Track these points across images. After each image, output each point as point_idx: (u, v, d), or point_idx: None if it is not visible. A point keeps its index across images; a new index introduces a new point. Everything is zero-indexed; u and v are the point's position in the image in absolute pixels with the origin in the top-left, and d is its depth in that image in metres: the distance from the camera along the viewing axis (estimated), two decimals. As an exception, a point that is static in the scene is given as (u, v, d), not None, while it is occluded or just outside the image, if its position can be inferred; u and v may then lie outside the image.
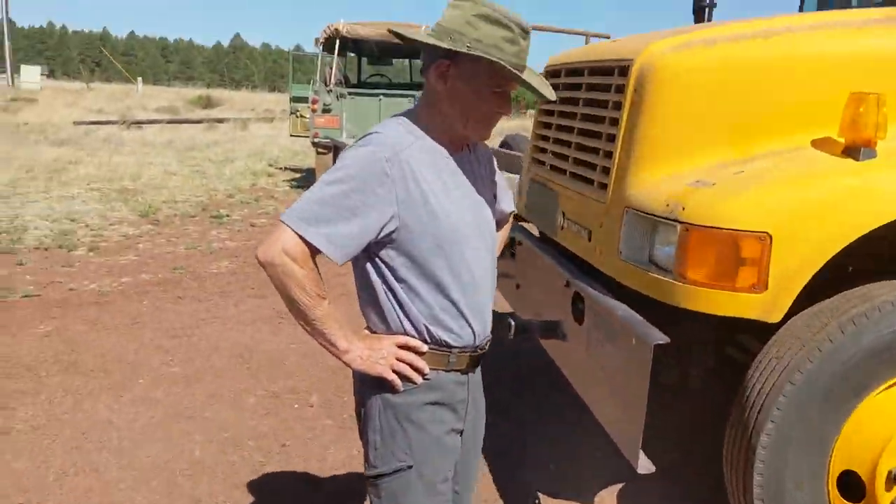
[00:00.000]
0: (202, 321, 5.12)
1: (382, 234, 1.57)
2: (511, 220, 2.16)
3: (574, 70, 3.31)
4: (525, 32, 1.59)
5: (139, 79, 48.51)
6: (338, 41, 10.21)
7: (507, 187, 2.04)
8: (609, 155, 2.77)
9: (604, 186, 2.77)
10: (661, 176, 2.50)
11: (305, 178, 12.30)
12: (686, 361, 2.71)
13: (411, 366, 1.66)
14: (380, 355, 1.65)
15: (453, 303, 1.68)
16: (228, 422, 3.63)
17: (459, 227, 1.65)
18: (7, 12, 41.89)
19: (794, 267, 2.19)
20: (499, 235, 2.00)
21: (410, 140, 1.62)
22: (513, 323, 3.00)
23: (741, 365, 2.70)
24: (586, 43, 16.49)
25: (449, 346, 1.70)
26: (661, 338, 2.18)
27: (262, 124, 21.95)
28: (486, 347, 1.82)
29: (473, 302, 1.72)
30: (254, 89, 66.05)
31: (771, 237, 2.17)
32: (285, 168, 13.12)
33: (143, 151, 14.31)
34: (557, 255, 3.21)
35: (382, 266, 1.63)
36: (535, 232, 3.96)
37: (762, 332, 2.39)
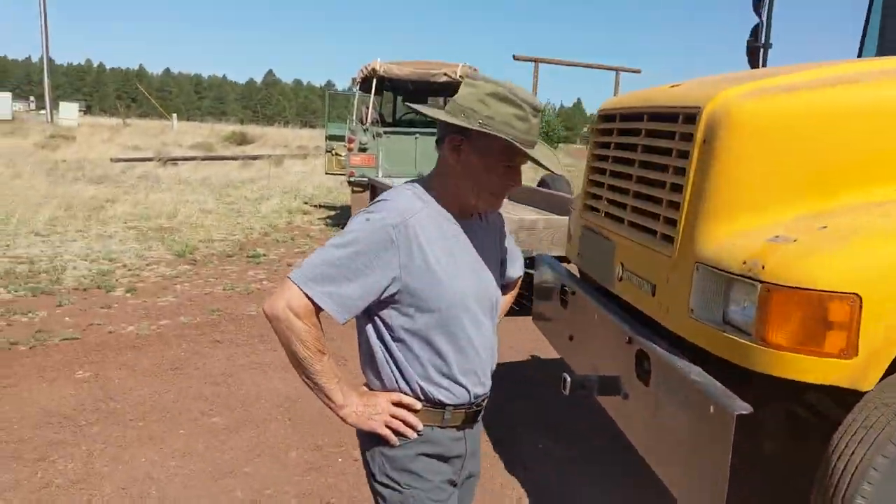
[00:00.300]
0: (241, 367, 5.02)
1: (384, 296, 1.65)
2: (519, 282, 2.19)
3: (631, 115, 3.19)
4: (535, 110, 1.67)
5: (174, 115, 49.28)
6: (374, 80, 10.21)
7: (518, 252, 2.09)
8: (675, 206, 2.64)
9: (669, 239, 2.63)
10: (736, 230, 2.36)
11: (340, 216, 12.27)
12: (761, 428, 2.55)
13: (405, 422, 1.72)
14: (374, 411, 1.72)
15: (448, 364, 1.73)
16: (270, 477, 3.51)
17: (460, 293, 1.71)
18: (47, 51, 42.83)
19: (887, 331, 2.03)
20: (505, 299, 2.10)
21: (419, 206, 1.70)
22: (569, 379, 2.87)
23: (812, 427, 2.55)
24: (617, 77, 16.35)
25: (443, 405, 1.75)
26: (744, 407, 2.04)
27: (296, 161, 22.08)
28: (483, 404, 1.86)
29: (469, 364, 1.77)
30: (286, 125, 66.79)
31: (861, 299, 2.02)
32: (320, 206, 13.11)
33: (178, 189, 14.40)
34: (616, 308, 3.07)
35: (381, 326, 1.71)
36: (558, 265, 3.84)
37: (838, 391, 2.23)
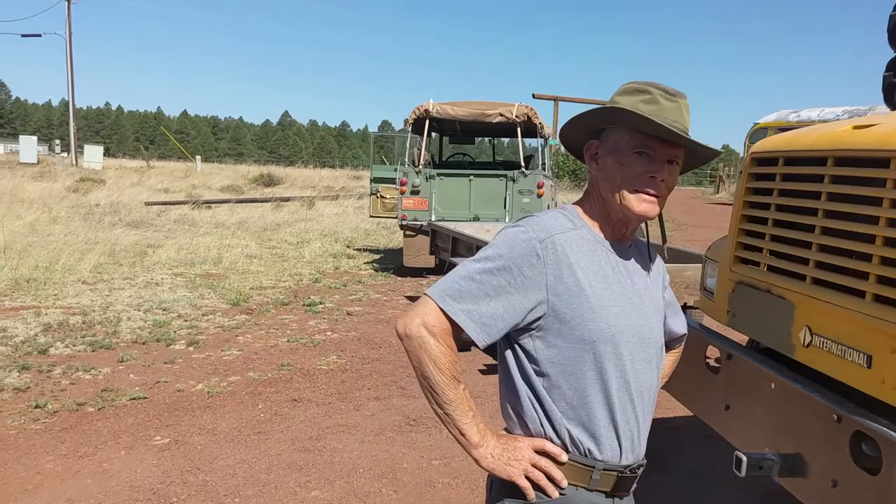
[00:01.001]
0: (328, 430, 4.67)
1: (528, 321, 1.49)
2: (684, 343, 1.96)
3: (806, 160, 2.86)
4: (670, 95, 1.53)
5: (198, 157, 49.56)
6: (427, 121, 9.97)
7: (678, 306, 1.88)
8: (892, 262, 2.29)
9: (888, 301, 2.28)
10: None
11: (385, 259, 11.97)
12: None
13: (547, 474, 1.51)
14: (513, 456, 1.52)
15: (601, 408, 1.53)
16: (396, 566, 3.14)
17: (618, 324, 1.52)
18: (73, 97, 43.25)
19: None
20: (668, 360, 1.90)
21: (569, 227, 1.55)
22: (744, 459, 2.51)
23: None
24: None
25: (593, 460, 1.53)
26: None
27: (328, 203, 21.88)
28: (639, 473, 1.62)
29: (626, 414, 1.56)
30: (307, 165, 66.98)
31: None
32: (363, 249, 12.81)
33: (217, 233, 14.16)
34: (803, 379, 2.72)
35: (524, 357, 1.54)
36: (693, 321, 3.47)
37: None
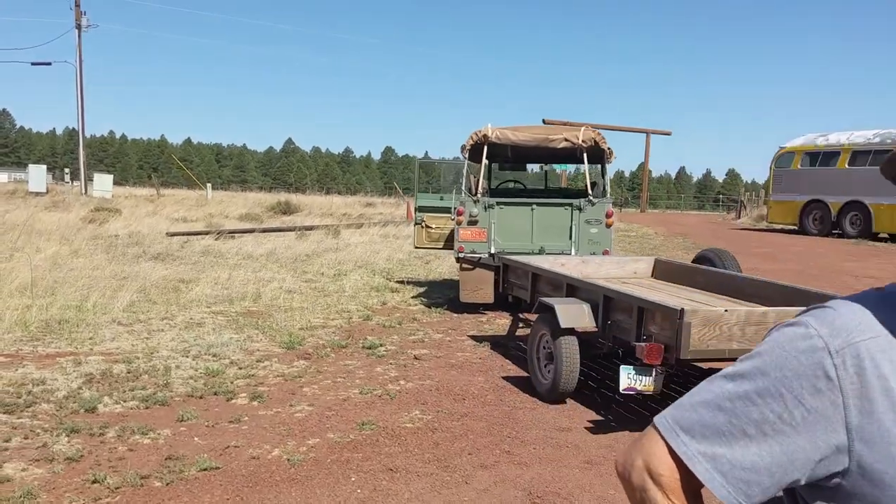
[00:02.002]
0: (444, 512, 3.95)
1: (816, 477, 0.98)
2: None
3: None
4: None
5: (209, 185, 49.00)
6: (486, 147, 9.31)
7: None
8: None
9: None
10: None
11: (431, 293, 11.27)
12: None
13: None
14: None
15: None
16: None
17: None
18: (83, 126, 42.87)
19: None
20: None
21: (878, 329, 0.97)
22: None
23: None
24: (647, 139, 15.85)
25: None
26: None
27: (352, 231, 21.21)
28: None
29: None
30: (312, 192, 66.42)
31: None
32: (405, 282, 12.11)
33: (248, 265, 13.48)
34: None
35: None
36: None
37: None
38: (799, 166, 26.70)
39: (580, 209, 9.10)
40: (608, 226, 9.09)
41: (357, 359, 7.18)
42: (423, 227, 11.17)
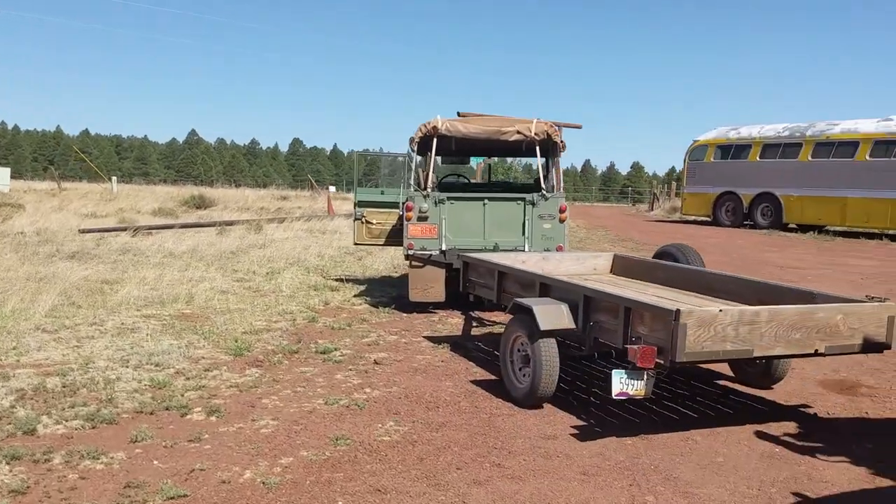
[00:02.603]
0: (450, 538, 3.61)
1: None
2: None
3: None
4: None
5: (114, 178, 47.00)
6: (435, 139, 8.96)
7: None
8: None
9: None
10: None
11: (374, 291, 10.87)
12: None
13: None
14: None
15: None
16: None
17: None
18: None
19: None
20: None
21: None
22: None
23: None
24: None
25: None
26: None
27: (275, 226, 20.52)
28: None
29: None
30: (215, 185, 64.56)
31: None
32: (343, 280, 11.67)
33: (171, 264, 12.78)
34: None
35: None
36: None
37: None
38: (712, 159, 27.33)
39: (533, 204, 8.86)
40: (562, 221, 8.89)
41: (313, 365, 6.75)
42: (363, 222, 10.75)
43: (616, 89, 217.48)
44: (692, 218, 28.94)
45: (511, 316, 6.00)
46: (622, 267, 7.85)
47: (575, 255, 8.01)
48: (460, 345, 7.60)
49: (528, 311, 5.58)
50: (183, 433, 4.94)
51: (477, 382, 6.32)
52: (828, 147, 24.05)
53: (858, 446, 5.05)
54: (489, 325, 8.68)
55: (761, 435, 5.22)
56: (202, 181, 79.70)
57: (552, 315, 5.52)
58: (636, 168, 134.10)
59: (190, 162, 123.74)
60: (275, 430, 5.06)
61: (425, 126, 8.91)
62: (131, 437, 4.81)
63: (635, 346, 4.71)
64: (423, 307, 9.27)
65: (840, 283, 12.35)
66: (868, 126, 23.43)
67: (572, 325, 5.55)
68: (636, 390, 4.81)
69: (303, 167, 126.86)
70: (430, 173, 9.00)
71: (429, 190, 8.87)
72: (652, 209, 40.59)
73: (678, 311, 4.58)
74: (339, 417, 5.34)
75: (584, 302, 5.48)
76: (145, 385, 5.94)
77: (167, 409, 5.39)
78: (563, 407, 5.69)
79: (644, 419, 5.50)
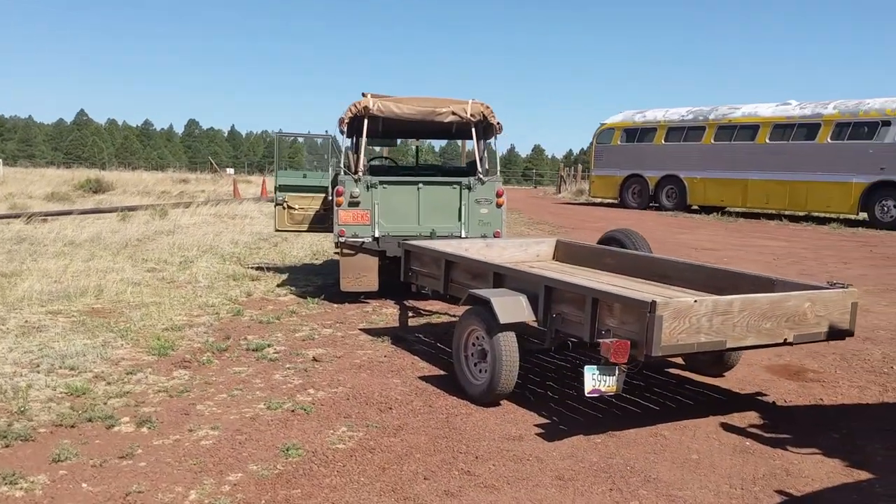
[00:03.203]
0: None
1: None
2: None
3: None
4: None
5: (-1, 160, 44.23)
6: (366, 120, 8.50)
7: None
8: None
9: None
10: None
11: (298, 280, 10.35)
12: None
13: None
14: None
15: None
16: None
17: None
18: None
19: None
20: None
21: None
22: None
23: None
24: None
25: None
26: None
27: (181, 211, 19.58)
28: None
29: None
30: (105, 168, 61.70)
31: None
32: (263, 268, 11.08)
33: (74, 254, 11.90)
34: None
35: None
36: None
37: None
38: (619, 142, 27.68)
39: (470, 188, 8.53)
40: (499, 205, 8.59)
41: (246, 364, 6.26)
42: (284, 208, 10.21)
43: (515, 71, 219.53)
44: (599, 200, 29.29)
45: (465, 308, 5.66)
46: (566, 253, 7.61)
47: (518, 241, 7.73)
48: (401, 338, 7.22)
49: (486, 304, 5.25)
50: (112, 449, 4.41)
51: (426, 379, 5.96)
52: (730, 130, 24.67)
53: (825, 437, 4.95)
54: (426, 315, 8.32)
55: (727, 427, 5.06)
56: (94, 164, 76.02)
57: (512, 307, 5.20)
58: (537, 150, 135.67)
59: (79, 144, 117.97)
60: (216, 441, 4.58)
61: (355, 106, 8.44)
62: (52, 455, 4.25)
63: (608, 341, 4.44)
64: (355, 297, 8.84)
65: (756, 264, 12.54)
66: (767, 110, 24.12)
67: (532, 318, 5.25)
68: (608, 386, 4.55)
69: (200, 149, 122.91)
70: (362, 156, 8.54)
71: (360, 174, 8.41)
72: (559, 192, 40.97)
73: (654, 302, 4.33)
74: (286, 424, 4.90)
75: (544, 293, 5.18)
76: (61, 392, 5.34)
77: (90, 420, 4.83)
78: (520, 403, 5.40)
79: (606, 413, 5.27)
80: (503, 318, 5.11)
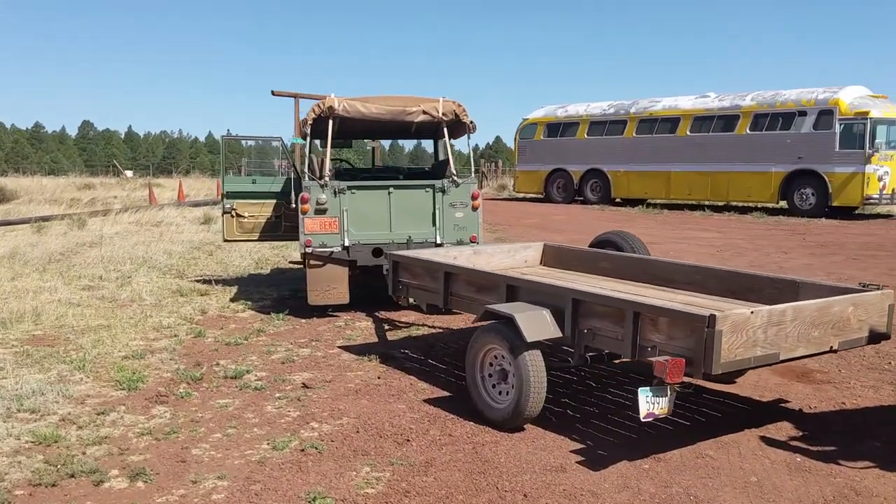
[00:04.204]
0: None
1: None
2: None
3: None
4: None
5: None
6: (331, 121, 7.93)
7: None
8: None
9: None
10: None
11: (251, 293, 9.67)
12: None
13: None
14: None
15: None
16: None
17: None
18: None
19: None
20: None
21: None
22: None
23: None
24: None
25: None
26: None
27: (98, 219, 18.41)
28: None
29: None
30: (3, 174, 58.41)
31: None
32: (211, 281, 10.35)
33: (-5, 272, 10.87)
34: None
35: None
36: None
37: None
38: (542, 137, 27.68)
39: (443, 191, 8.07)
40: (475, 208, 8.16)
41: (230, 395, 5.65)
42: (233, 216, 9.53)
43: (428, 65, 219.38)
44: (523, 195, 29.24)
45: (481, 325, 5.21)
46: (554, 258, 7.25)
47: (507, 247, 7.30)
48: (388, 355, 6.71)
49: (507, 320, 4.82)
50: (109, 513, 3.80)
51: (432, 402, 5.49)
52: (651, 123, 24.94)
53: (868, 445, 4.72)
54: (404, 328, 7.82)
55: (769, 441, 4.78)
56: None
57: (538, 324, 4.79)
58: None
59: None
60: (229, 493, 4.01)
61: (319, 106, 7.86)
62: (42, 528, 3.62)
63: (663, 360, 4.07)
64: (322, 310, 8.26)
65: (702, 257, 12.50)
66: (687, 103, 24.47)
67: (559, 334, 4.85)
68: (661, 409, 4.19)
69: (96, 151, 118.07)
70: (328, 160, 7.95)
71: (326, 178, 7.84)
72: (481, 188, 40.79)
73: (713, 316, 3.99)
74: (300, 467, 4.36)
75: (572, 306, 4.78)
76: (28, 442, 4.66)
77: (72, 475, 4.19)
78: (543, 425, 4.99)
79: (635, 431, 4.92)
80: (530, 336, 4.69)
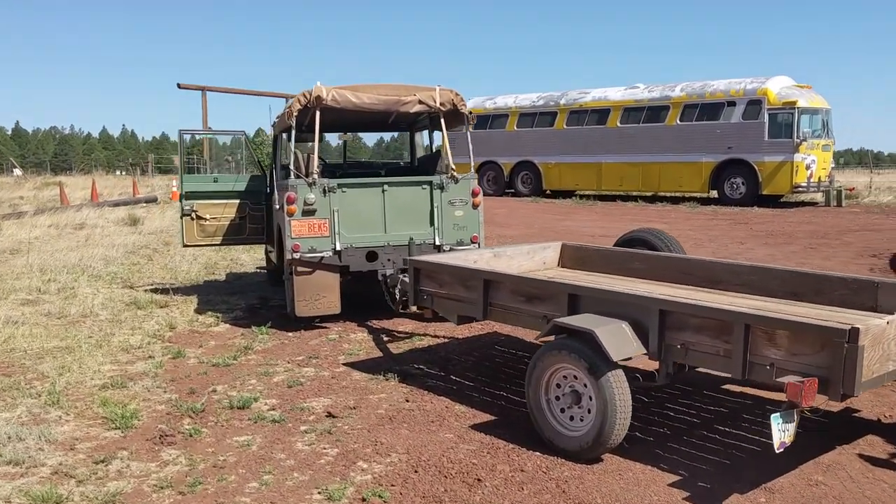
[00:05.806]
0: None
1: None
2: None
3: None
4: None
5: None
6: (318, 112, 7.15)
7: None
8: None
9: None
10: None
11: (219, 304, 8.78)
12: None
13: None
14: None
15: None
16: None
17: None
18: None
19: None
20: None
21: None
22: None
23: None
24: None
25: None
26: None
27: (12, 223, 16.91)
28: None
29: None
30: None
31: None
32: (168, 291, 9.38)
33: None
34: None
35: None
36: None
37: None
38: (471, 129, 27.21)
39: (442, 188, 7.41)
40: (475, 206, 7.53)
41: (246, 430, 4.87)
42: (193, 218, 8.65)
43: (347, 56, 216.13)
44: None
45: (546, 342, 4.59)
46: (573, 258, 6.69)
47: (527, 248, 6.66)
48: (407, 373, 6.01)
49: (586, 336, 4.22)
50: None
51: (480, 429, 4.85)
52: (581, 115, 24.82)
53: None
54: (405, 338, 7.12)
55: (873, 461, 4.34)
56: None
57: (621, 340, 4.21)
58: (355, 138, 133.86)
59: None
60: (301, 567, 3.28)
61: (306, 95, 7.07)
62: None
63: (796, 382, 3.55)
64: (307, 321, 7.47)
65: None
66: (616, 94, 24.43)
67: (643, 351, 4.28)
68: (790, 436, 3.68)
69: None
70: (315, 156, 7.17)
71: (315, 176, 7.06)
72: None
73: (856, 329, 3.49)
74: (364, 522, 3.66)
75: (659, 318, 4.22)
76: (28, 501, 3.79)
77: (93, 552, 3.37)
78: (618, 453, 4.42)
79: (723, 455, 4.41)
80: (616, 355, 4.11)
